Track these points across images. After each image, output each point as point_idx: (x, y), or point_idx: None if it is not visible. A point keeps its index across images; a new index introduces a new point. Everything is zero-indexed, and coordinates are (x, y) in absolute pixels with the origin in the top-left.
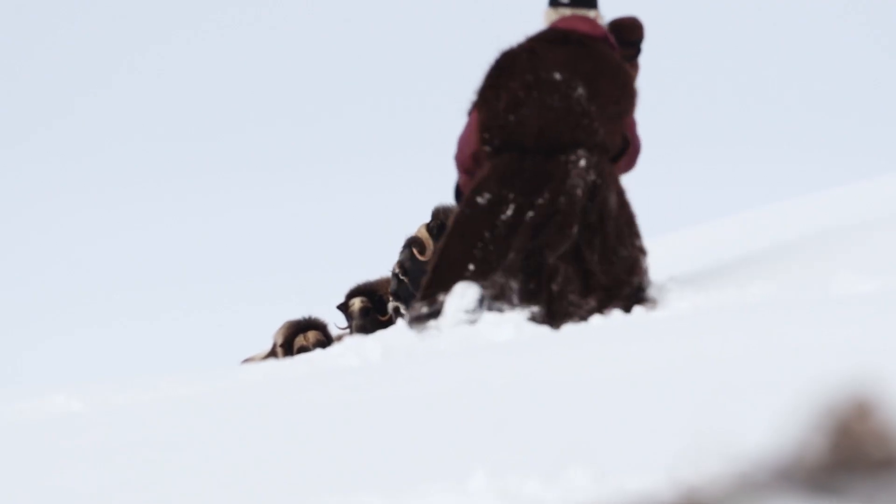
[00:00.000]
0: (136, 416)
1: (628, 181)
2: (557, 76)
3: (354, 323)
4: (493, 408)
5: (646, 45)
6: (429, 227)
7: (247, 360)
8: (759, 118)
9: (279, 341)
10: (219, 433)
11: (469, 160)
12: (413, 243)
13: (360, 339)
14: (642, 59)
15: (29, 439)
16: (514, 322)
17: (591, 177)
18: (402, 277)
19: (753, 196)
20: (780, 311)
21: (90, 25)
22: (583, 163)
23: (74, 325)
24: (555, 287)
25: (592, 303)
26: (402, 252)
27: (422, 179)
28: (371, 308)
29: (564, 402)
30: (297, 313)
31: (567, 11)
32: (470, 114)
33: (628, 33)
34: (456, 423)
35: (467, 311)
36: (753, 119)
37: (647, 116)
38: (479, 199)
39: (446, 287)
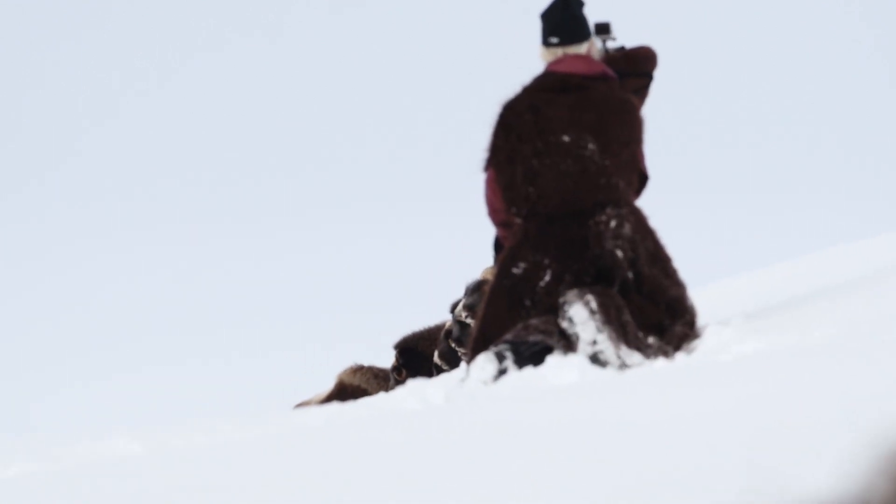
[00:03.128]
0: (195, 460)
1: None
2: (566, 138)
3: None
4: (557, 452)
5: (658, 73)
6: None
7: (301, 404)
8: (814, 165)
9: (353, 381)
10: (279, 477)
11: (502, 214)
12: (484, 286)
13: (422, 383)
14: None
15: (89, 483)
16: (578, 365)
17: (627, 232)
18: (467, 321)
19: (810, 242)
20: (842, 354)
21: (86, 69)
22: (613, 223)
23: (112, 369)
24: (625, 318)
25: (652, 340)
26: (470, 296)
27: (447, 226)
28: (401, 366)
29: (627, 444)
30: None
31: (559, 51)
32: (486, 170)
33: (642, 65)
34: (519, 467)
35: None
36: (808, 166)
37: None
38: (515, 270)
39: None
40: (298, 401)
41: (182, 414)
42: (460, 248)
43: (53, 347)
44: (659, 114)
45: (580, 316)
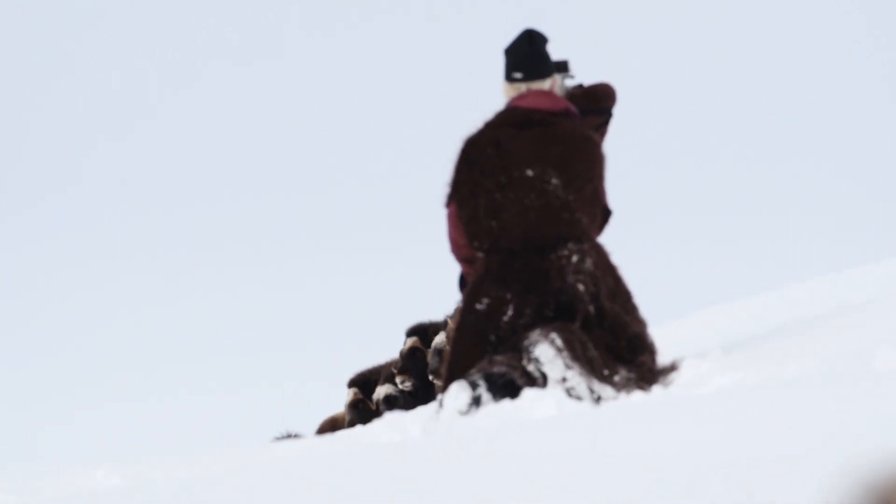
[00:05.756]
0: (176, 493)
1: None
2: (529, 172)
3: (400, 365)
4: (533, 485)
5: (617, 111)
6: None
7: (327, 423)
8: (793, 197)
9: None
10: None
11: (464, 249)
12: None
13: (399, 416)
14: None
15: None
16: (555, 398)
17: (589, 267)
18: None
19: (788, 274)
20: (820, 387)
21: (80, 99)
22: (575, 258)
23: (94, 402)
24: (591, 353)
25: (621, 373)
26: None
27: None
28: (420, 349)
29: (606, 477)
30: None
31: (523, 86)
32: (448, 205)
33: (601, 101)
34: (497, 500)
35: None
36: (787, 197)
37: (676, 191)
38: (479, 305)
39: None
40: (323, 419)
41: (162, 447)
42: (431, 279)
43: (35, 381)
44: (633, 142)
45: (546, 355)
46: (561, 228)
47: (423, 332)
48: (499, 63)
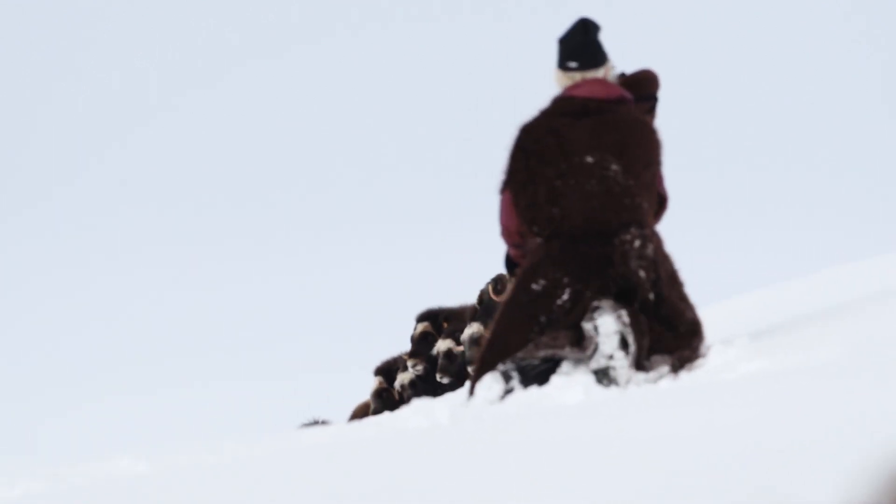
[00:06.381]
0: (202, 479)
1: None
2: (589, 159)
3: (410, 349)
4: (561, 471)
5: (662, 95)
6: None
7: (361, 406)
8: (820, 184)
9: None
10: (285, 496)
11: (515, 236)
12: (497, 280)
13: (428, 402)
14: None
15: (94, 502)
16: (583, 385)
17: (650, 253)
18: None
19: (815, 261)
20: (847, 374)
21: (91, 89)
22: (637, 243)
23: (118, 390)
24: (644, 342)
25: (665, 365)
26: (487, 284)
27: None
28: (431, 334)
29: (632, 464)
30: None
31: (577, 76)
32: (502, 192)
33: (644, 88)
34: (523, 487)
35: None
36: (814, 185)
37: (704, 178)
38: (535, 286)
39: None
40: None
41: (188, 434)
42: (447, 269)
43: (60, 368)
44: (664, 132)
45: (607, 327)
46: (623, 214)
47: (433, 318)
48: (500, 63)
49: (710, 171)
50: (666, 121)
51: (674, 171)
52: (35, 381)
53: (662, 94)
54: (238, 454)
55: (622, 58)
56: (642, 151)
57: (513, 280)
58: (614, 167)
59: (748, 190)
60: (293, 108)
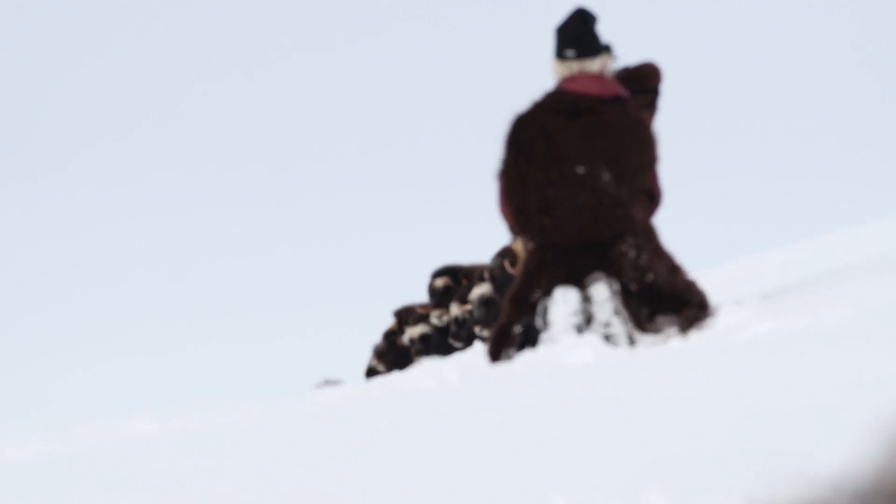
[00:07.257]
0: (214, 441)
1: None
2: (580, 170)
3: (434, 302)
4: (571, 431)
5: (664, 87)
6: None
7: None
8: (832, 147)
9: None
10: (297, 457)
11: (512, 219)
12: (506, 254)
13: (437, 362)
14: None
15: (106, 462)
16: (592, 345)
17: (644, 263)
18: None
19: (827, 224)
20: (858, 335)
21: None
22: (632, 253)
23: (130, 352)
24: (640, 311)
25: (672, 326)
26: (493, 260)
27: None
28: (453, 287)
29: (642, 424)
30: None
31: (574, 65)
32: (498, 179)
33: (645, 81)
34: (534, 447)
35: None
36: (827, 148)
37: (717, 140)
38: (531, 298)
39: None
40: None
41: (200, 396)
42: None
43: (71, 330)
44: (674, 105)
45: (601, 294)
46: (616, 225)
47: (454, 273)
48: (499, 63)
49: (720, 134)
50: (677, 91)
51: (683, 136)
52: (47, 342)
53: (665, 87)
54: (249, 416)
55: (624, 55)
56: (636, 154)
57: (515, 275)
58: (606, 176)
59: (759, 153)
60: (294, 106)
